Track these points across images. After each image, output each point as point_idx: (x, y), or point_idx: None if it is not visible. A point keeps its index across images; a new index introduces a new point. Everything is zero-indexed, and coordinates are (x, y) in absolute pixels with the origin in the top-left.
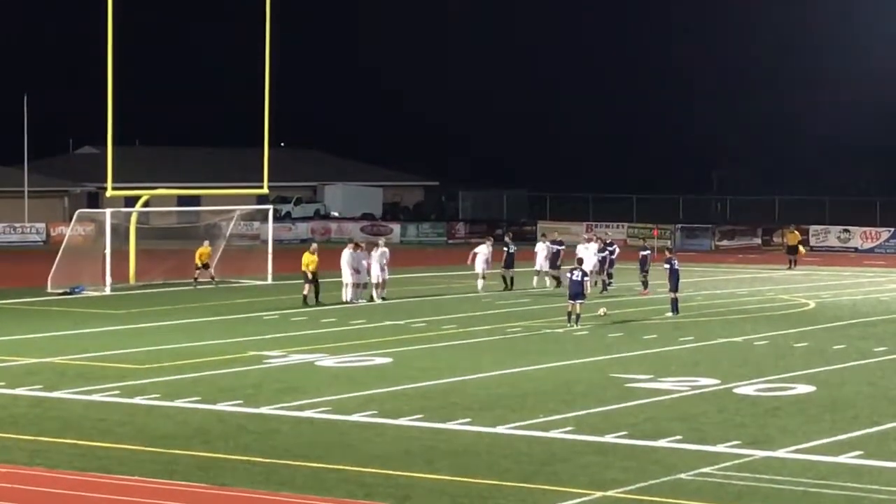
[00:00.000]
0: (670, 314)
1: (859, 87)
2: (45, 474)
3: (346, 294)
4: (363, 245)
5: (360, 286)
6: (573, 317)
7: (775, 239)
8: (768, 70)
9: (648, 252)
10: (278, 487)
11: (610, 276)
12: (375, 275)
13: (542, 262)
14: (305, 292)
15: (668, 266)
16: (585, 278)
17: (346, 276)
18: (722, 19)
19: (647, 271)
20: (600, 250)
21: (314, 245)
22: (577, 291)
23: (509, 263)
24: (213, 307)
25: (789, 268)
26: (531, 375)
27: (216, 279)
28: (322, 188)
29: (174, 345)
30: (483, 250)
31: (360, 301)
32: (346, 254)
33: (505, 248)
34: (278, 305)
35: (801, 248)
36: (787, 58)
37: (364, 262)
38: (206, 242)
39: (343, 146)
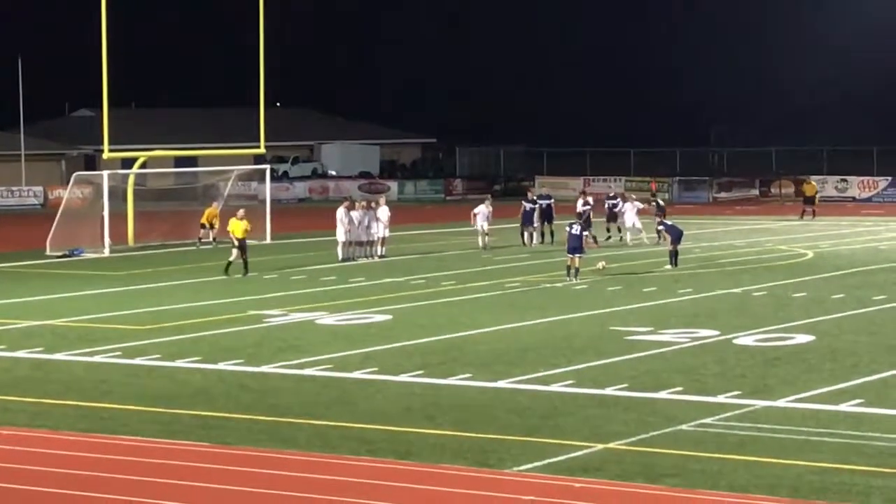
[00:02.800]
0: (669, 266)
1: (855, 37)
2: (47, 436)
3: (339, 252)
4: (364, 203)
5: (355, 244)
6: (572, 271)
7: (772, 190)
8: (763, 21)
9: (590, 207)
10: (281, 445)
11: (618, 229)
12: (378, 232)
13: (535, 217)
14: (231, 258)
15: (661, 228)
16: (584, 232)
17: (340, 234)
18: None
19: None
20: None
21: (241, 210)
22: (575, 245)
23: (548, 218)
24: (213, 267)
25: (812, 217)
26: (531, 330)
27: (216, 240)
28: (319, 147)
29: (174, 305)
30: (482, 209)
31: (359, 259)
32: (340, 212)
33: (534, 204)
34: (277, 265)
35: (816, 198)
36: (783, 8)
37: (364, 220)
38: (215, 203)
39: (339, 105)
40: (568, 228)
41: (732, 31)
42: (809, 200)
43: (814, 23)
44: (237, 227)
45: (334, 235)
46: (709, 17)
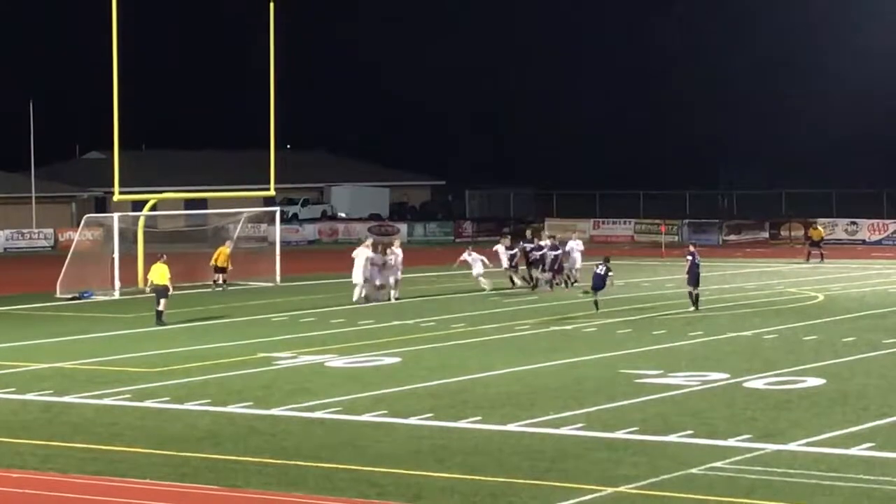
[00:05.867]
0: (694, 309)
1: (865, 78)
2: (57, 479)
3: (354, 294)
4: (379, 246)
5: (370, 286)
6: (597, 304)
7: (782, 233)
8: (772, 63)
9: (515, 252)
10: (290, 488)
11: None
12: (392, 275)
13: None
14: (161, 308)
15: (689, 258)
16: (610, 273)
17: (357, 276)
18: (724, 14)
19: (546, 269)
20: (552, 248)
21: (165, 256)
22: (597, 284)
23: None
24: (222, 309)
25: (821, 260)
26: (541, 373)
27: (227, 282)
28: (329, 189)
29: (184, 348)
30: (502, 249)
31: (374, 301)
32: (360, 252)
33: (512, 249)
34: (286, 307)
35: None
36: (791, 51)
37: (379, 263)
38: (228, 242)
39: (349, 147)
40: (595, 269)
41: (742, 74)
42: (816, 244)
43: (823, 65)
44: (161, 273)
45: (343, 278)
46: (718, 60)
